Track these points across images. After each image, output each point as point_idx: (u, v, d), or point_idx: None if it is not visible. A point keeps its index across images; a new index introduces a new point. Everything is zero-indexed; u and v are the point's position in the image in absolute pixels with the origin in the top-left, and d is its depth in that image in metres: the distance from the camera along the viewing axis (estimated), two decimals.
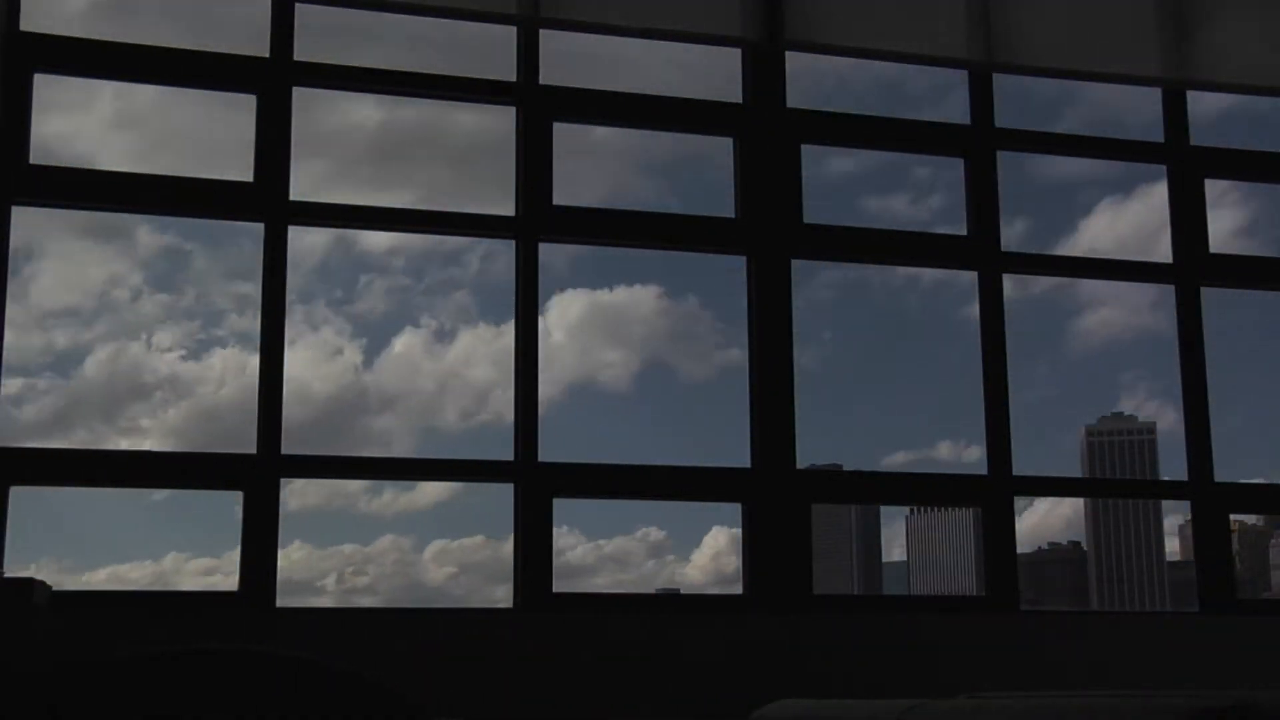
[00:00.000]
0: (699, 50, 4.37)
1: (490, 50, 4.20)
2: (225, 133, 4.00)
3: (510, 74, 4.14)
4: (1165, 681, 3.78)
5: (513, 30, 4.15)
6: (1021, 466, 4.28)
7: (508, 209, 4.07)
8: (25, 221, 3.71)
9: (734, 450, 4.16)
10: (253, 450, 3.72)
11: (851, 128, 4.45)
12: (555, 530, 3.89)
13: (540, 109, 4.11)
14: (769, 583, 4.01)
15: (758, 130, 4.27)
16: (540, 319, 4.01)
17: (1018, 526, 4.35)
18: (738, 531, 4.15)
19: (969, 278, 4.40)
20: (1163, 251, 4.61)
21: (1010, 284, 4.39)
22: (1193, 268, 4.57)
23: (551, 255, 4.12)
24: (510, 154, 4.11)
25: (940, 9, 4.44)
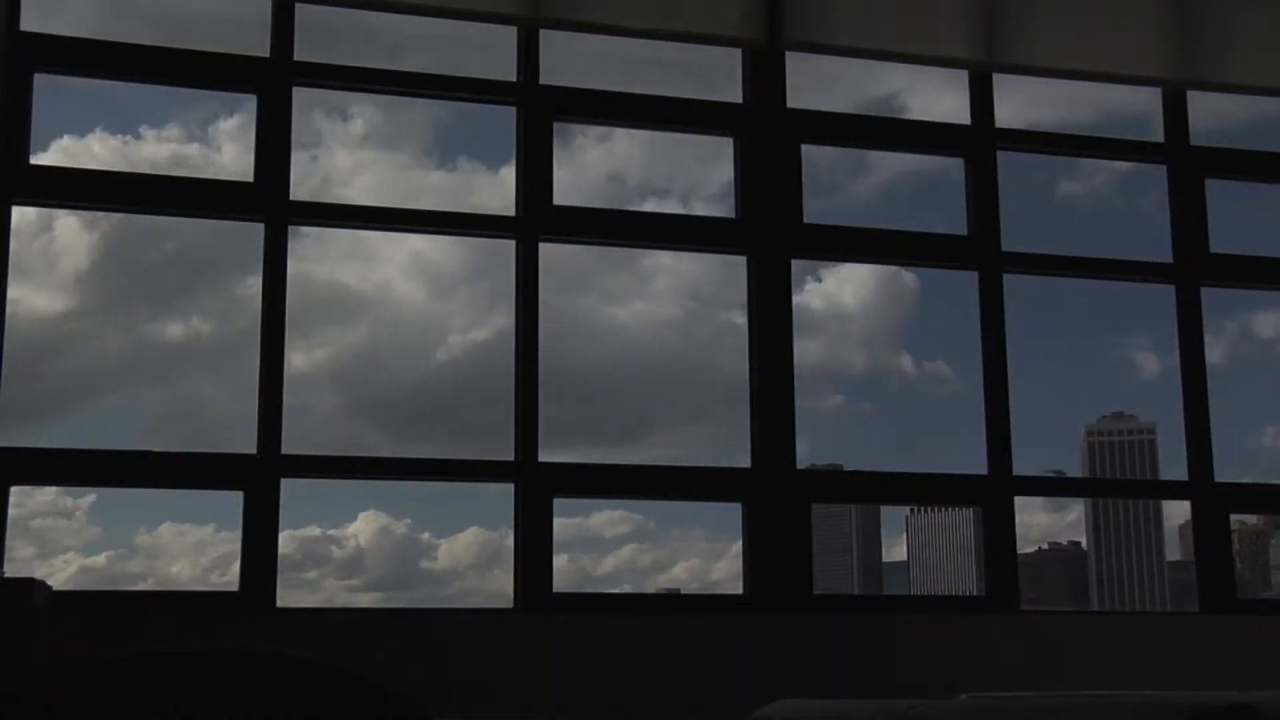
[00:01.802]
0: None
1: (490, 50, 4.20)
2: None
3: (510, 74, 4.14)
4: (1165, 681, 3.78)
5: (513, 30, 4.15)
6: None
7: None
8: None
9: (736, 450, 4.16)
10: (253, 450, 3.72)
11: (851, 128, 4.46)
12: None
13: (540, 109, 4.11)
14: (769, 583, 4.01)
15: (758, 130, 4.27)
16: None
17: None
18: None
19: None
20: None
21: None
22: (1193, 268, 4.57)
23: None
24: None
25: (940, 9, 4.44)
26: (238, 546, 3.67)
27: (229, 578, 3.63)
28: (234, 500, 3.71)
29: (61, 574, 3.46)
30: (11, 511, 3.55)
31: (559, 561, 3.87)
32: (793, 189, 4.26)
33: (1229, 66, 4.66)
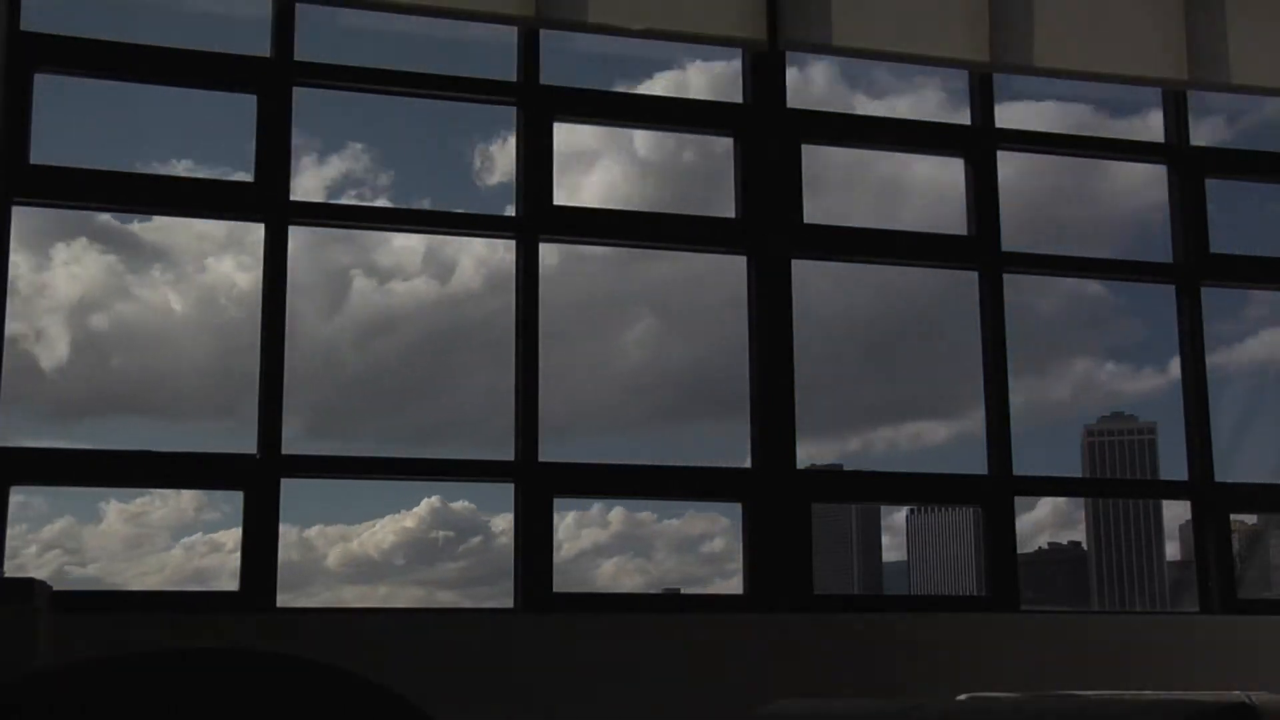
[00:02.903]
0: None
1: (492, 50, 4.20)
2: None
3: (510, 74, 4.14)
4: (1165, 681, 3.78)
5: (513, 30, 4.15)
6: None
7: None
8: None
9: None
10: (253, 450, 3.72)
11: (851, 127, 4.45)
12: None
13: (540, 109, 4.11)
14: (769, 583, 4.01)
15: (758, 130, 4.27)
16: None
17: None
18: None
19: None
20: None
21: None
22: (1193, 268, 4.57)
23: None
24: None
25: (940, 9, 4.43)
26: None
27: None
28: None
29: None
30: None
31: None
32: (793, 189, 4.26)
33: (1229, 66, 4.66)
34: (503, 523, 3.84)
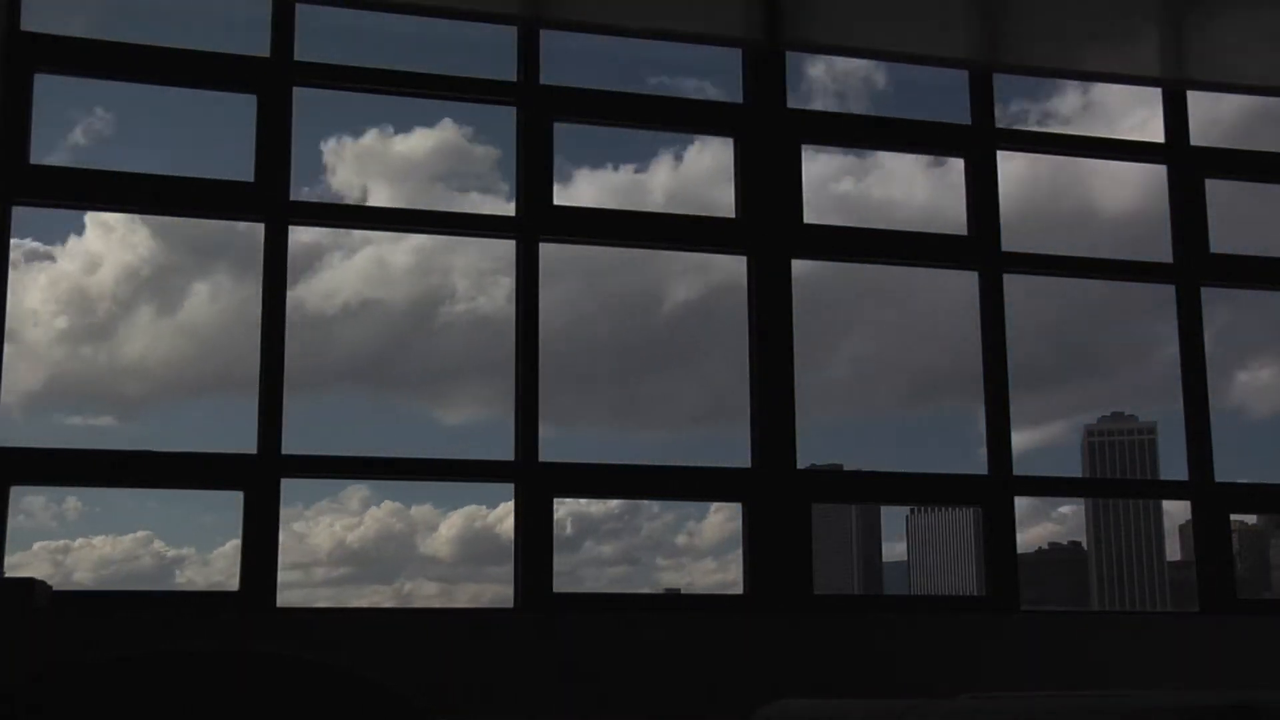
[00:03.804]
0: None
1: (492, 50, 4.21)
2: None
3: (510, 74, 4.14)
4: (1165, 681, 3.78)
5: (513, 30, 4.15)
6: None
7: None
8: None
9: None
10: (253, 450, 3.72)
11: (851, 128, 4.45)
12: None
13: (540, 109, 4.11)
14: (769, 583, 4.01)
15: (758, 130, 4.27)
16: None
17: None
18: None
19: None
20: None
21: None
22: (1193, 268, 4.57)
23: None
24: None
25: (940, 9, 4.43)
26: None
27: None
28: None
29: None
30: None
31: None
32: (793, 189, 4.26)
33: (1229, 66, 4.66)
34: (656, 511, 3.93)
